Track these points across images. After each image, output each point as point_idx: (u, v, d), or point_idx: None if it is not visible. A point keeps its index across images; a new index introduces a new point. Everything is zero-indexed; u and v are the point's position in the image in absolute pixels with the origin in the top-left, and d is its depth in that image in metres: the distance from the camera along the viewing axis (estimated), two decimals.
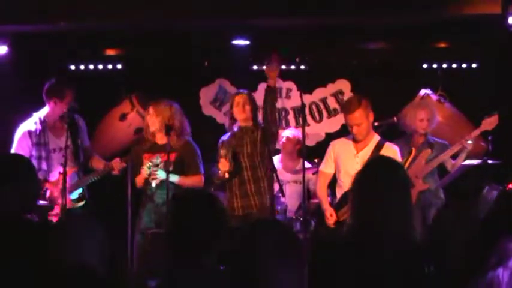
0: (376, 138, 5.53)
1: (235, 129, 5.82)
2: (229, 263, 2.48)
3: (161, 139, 5.74)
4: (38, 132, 5.88)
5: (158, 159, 5.71)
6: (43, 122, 5.91)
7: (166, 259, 2.78)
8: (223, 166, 5.60)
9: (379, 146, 5.46)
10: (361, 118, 5.40)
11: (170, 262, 2.77)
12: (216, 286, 2.66)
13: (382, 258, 2.65)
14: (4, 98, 7.09)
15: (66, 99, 5.86)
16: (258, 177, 5.69)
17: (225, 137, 5.89)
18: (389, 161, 3.05)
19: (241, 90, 5.96)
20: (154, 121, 5.73)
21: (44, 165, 5.85)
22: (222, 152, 5.63)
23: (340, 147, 5.59)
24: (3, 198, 3.14)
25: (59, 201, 5.63)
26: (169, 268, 2.75)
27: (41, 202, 5.65)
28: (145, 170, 5.67)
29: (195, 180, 5.70)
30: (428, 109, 6.27)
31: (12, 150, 5.81)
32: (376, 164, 2.98)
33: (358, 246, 2.71)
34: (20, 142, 5.86)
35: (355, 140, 5.51)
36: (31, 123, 5.92)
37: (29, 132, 5.87)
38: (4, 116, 6.94)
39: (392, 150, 5.43)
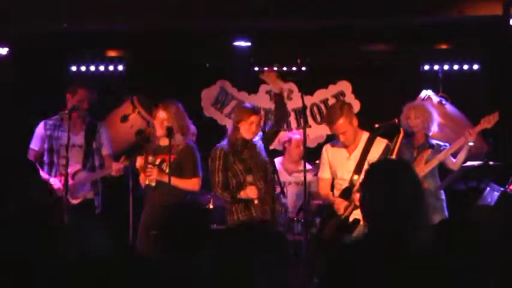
0: (365, 136, 5.53)
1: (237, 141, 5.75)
2: (219, 265, 2.51)
3: (163, 141, 5.75)
4: (53, 126, 6.10)
5: (155, 159, 5.72)
6: (61, 119, 6.08)
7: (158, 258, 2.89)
8: (254, 193, 5.58)
9: (370, 142, 5.47)
10: (346, 126, 5.40)
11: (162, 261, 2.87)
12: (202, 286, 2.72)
13: (402, 259, 2.64)
14: (5, 98, 7.11)
15: (77, 97, 6.04)
16: (261, 184, 5.65)
17: (222, 146, 5.72)
18: (397, 162, 3.04)
19: (257, 110, 5.87)
20: (157, 127, 5.73)
21: (54, 158, 6.05)
22: (249, 178, 5.59)
23: (333, 153, 5.61)
24: (6, 199, 3.15)
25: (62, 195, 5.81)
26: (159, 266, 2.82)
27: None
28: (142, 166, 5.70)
29: (191, 183, 5.70)
30: (419, 108, 6.26)
31: (32, 143, 6.11)
32: (383, 166, 2.97)
33: (375, 247, 2.69)
34: (36, 135, 6.14)
35: (345, 145, 5.52)
36: (52, 118, 6.15)
37: (45, 124, 6.13)
38: (5, 117, 6.97)
39: (382, 143, 5.46)
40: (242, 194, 5.61)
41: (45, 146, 6.09)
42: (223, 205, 5.89)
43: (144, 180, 5.78)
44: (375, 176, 2.82)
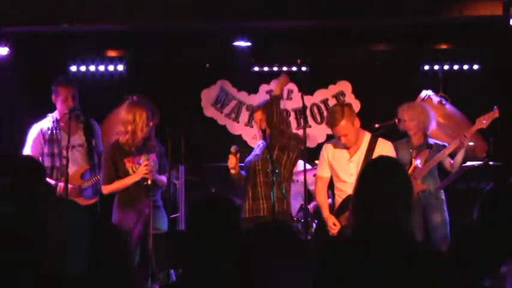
0: (367, 137, 5.47)
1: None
2: (233, 263, 2.49)
3: (139, 141, 5.71)
4: (50, 130, 5.96)
5: (141, 160, 5.67)
6: (56, 121, 5.99)
7: (176, 260, 2.80)
8: (230, 162, 5.56)
9: (372, 143, 5.41)
10: (347, 128, 5.33)
11: (184, 263, 2.81)
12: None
13: (386, 259, 2.64)
14: (5, 98, 7.11)
15: (61, 96, 5.93)
16: (269, 182, 5.62)
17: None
18: (390, 160, 3.05)
19: (259, 104, 5.81)
20: (142, 127, 5.67)
21: (57, 162, 5.91)
22: (233, 149, 5.59)
23: (333, 152, 5.54)
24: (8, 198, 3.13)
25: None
26: (183, 269, 2.77)
27: None
28: (142, 170, 5.62)
29: (165, 178, 5.68)
30: (412, 110, 6.25)
31: (26, 149, 5.91)
32: (378, 165, 2.98)
33: (360, 246, 2.70)
34: (32, 140, 5.94)
35: (346, 147, 5.47)
36: (44, 122, 6.01)
37: (41, 130, 5.96)
38: (5, 117, 6.97)
39: (386, 146, 5.41)
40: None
41: (46, 151, 5.90)
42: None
43: (133, 180, 5.66)
44: (370, 173, 2.85)
